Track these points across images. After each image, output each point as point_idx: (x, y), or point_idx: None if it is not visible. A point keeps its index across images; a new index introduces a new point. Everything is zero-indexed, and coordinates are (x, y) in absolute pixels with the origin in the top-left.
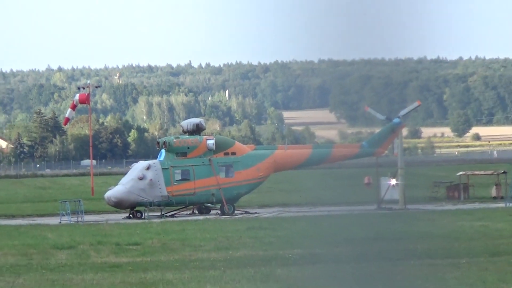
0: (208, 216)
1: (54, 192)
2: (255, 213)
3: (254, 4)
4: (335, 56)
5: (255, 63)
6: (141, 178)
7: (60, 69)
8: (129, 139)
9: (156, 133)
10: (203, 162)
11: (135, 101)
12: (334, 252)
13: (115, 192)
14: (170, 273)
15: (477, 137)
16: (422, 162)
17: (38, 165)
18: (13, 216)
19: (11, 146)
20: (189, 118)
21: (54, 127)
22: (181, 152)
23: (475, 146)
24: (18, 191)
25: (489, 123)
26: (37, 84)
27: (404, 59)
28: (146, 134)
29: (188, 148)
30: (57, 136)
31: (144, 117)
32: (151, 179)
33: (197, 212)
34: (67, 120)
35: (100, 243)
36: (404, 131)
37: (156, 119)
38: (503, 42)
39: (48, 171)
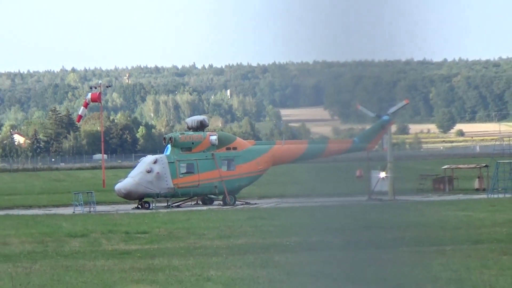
0: (211, 207)
1: (68, 184)
2: (255, 204)
3: (253, 10)
4: (329, 58)
5: (254, 64)
6: (149, 171)
7: (73, 70)
8: (138, 135)
9: (163, 130)
10: (206, 157)
11: (143, 99)
12: (328, 240)
13: (124, 184)
14: (176, 259)
15: (461, 133)
16: (410, 156)
17: (53, 159)
18: (30, 207)
19: (28, 141)
20: (193, 115)
21: (68, 124)
22: (186, 147)
23: (459, 141)
24: (35, 183)
25: (472, 120)
26: (52, 84)
27: (393, 60)
28: (153, 130)
29: (193, 143)
30: (71, 132)
31: (152, 114)
32: (158, 172)
33: (201, 203)
34: (80, 117)
35: (110, 232)
36: (393, 128)
37: (162, 116)
38: (485, 44)
39: (62, 164)
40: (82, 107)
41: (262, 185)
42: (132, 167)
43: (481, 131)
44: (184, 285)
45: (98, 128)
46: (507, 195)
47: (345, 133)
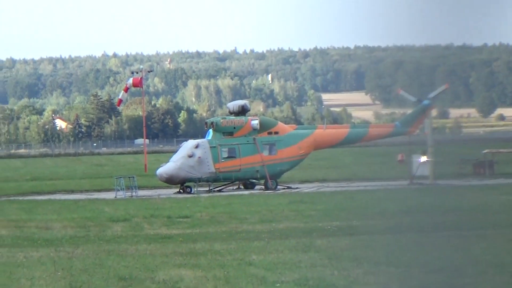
0: (253, 191)
1: (110, 169)
2: (297, 188)
3: None
4: (370, 43)
5: (295, 49)
6: (190, 156)
7: (115, 55)
8: (179, 120)
9: (204, 114)
10: (248, 141)
11: (184, 84)
12: (369, 224)
13: (166, 168)
14: (218, 243)
15: (501, 117)
16: (450, 141)
17: (95, 144)
18: (72, 191)
19: (70, 126)
20: (235, 100)
21: (110, 109)
22: (227, 132)
23: (500, 126)
24: (77, 168)
25: None
26: (94, 69)
27: (433, 45)
28: (195, 115)
29: (234, 128)
30: (113, 117)
31: (193, 99)
32: (199, 157)
33: (242, 187)
34: (120, 101)
35: (152, 216)
36: (434, 112)
37: (204, 101)
38: None
39: (104, 149)
40: (122, 92)
41: (303, 170)
42: (174, 152)
43: None
44: (226, 269)
45: (140, 113)
46: None
47: (387, 117)
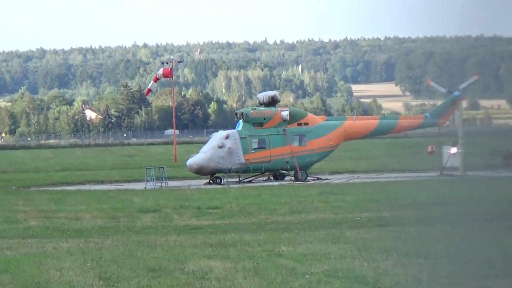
0: (282, 182)
1: (139, 159)
2: (326, 179)
3: None
4: (400, 34)
5: (326, 40)
6: (220, 147)
7: (145, 46)
8: (209, 111)
9: (234, 105)
10: (278, 132)
11: (214, 75)
12: (399, 215)
13: (196, 159)
14: (248, 234)
15: None
16: (480, 132)
17: (125, 135)
18: (102, 182)
19: (100, 117)
20: (264, 91)
21: (140, 99)
22: (257, 123)
23: None
24: (107, 158)
25: None
26: (124, 59)
27: (464, 36)
28: (225, 106)
29: (264, 118)
30: (143, 108)
31: (223, 90)
32: (229, 148)
33: (272, 178)
34: (149, 91)
35: (182, 207)
36: (464, 103)
37: (234, 92)
38: None
39: (134, 140)
40: (151, 81)
41: (333, 161)
42: (204, 143)
43: None
44: (256, 260)
45: (170, 103)
46: None
47: (417, 108)
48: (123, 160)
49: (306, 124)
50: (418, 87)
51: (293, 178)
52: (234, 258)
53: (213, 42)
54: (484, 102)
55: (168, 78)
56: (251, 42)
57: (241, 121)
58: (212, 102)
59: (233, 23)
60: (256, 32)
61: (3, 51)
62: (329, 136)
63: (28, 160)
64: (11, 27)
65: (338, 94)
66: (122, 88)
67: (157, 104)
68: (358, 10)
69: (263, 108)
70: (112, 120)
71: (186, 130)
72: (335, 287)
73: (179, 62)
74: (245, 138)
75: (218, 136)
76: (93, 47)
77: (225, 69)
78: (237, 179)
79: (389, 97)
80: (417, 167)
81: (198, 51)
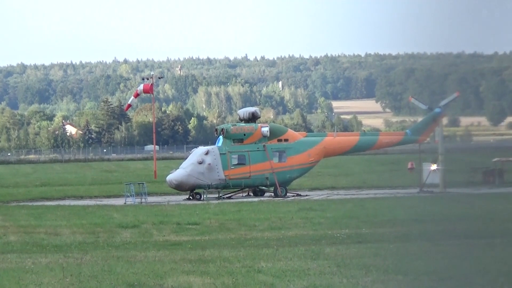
0: (262, 198)
1: (119, 175)
2: (306, 195)
3: (305, 2)
4: (381, 50)
5: (306, 56)
6: (200, 163)
7: (125, 61)
8: (190, 126)
9: (215, 121)
10: (258, 148)
11: (195, 91)
12: (378, 232)
13: (176, 175)
14: (227, 250)
15: (511, 126)
16: (460, 149)
17: (105, 150)
18: (81, 197)
19: (80, 132)
20: (245, 107)
21: (120, 115)
22: (237, 139)
23: (510, 134)
24: (86, 174)
25: None
26: (105, 75)
27: (444, 53)
28: (205, 121)
29: (244, 135)
30: (123, 123)
31: (204, 106)
32: (209, 163)
33: (252, 194)
34: (129, 106)
35: (162, 223)
36: (444, 120)
37: (214, 108)
38: None
39: (114, 155)
40: (132, 97)
41: (313, 177)
42: (184, 158)
43: None
44: (235, 276)
45: (150, 119)
46: None
47: (397, 125)
48: (103, 175)
49: (286, 140)
50: (398, 103)
51: (272, 194)
52: (213, 274)
53: (194, 58)
54: (464, 119)
55: (149, 94)
56: (231, 58)
57: (221, 137)
58: (193, 118)
59: (214, 39)
60: (236, 48)
61: None
62: (309, 152)
63: (8, 175)
64: None
65: (319, 111)
66: (102, 103)
67: (137, 120)
68: (339, 27)
69: (244, 124)
70: (92, 136)
71: (166, 145)
72: None
73: (159, 78)
74: (225, 154)
75: (198, 152)
76: (73, 62)
77: (205, 85)
78: (217, 195)
79: (370, 113)
80: (396, 184)
81: (179, 67)
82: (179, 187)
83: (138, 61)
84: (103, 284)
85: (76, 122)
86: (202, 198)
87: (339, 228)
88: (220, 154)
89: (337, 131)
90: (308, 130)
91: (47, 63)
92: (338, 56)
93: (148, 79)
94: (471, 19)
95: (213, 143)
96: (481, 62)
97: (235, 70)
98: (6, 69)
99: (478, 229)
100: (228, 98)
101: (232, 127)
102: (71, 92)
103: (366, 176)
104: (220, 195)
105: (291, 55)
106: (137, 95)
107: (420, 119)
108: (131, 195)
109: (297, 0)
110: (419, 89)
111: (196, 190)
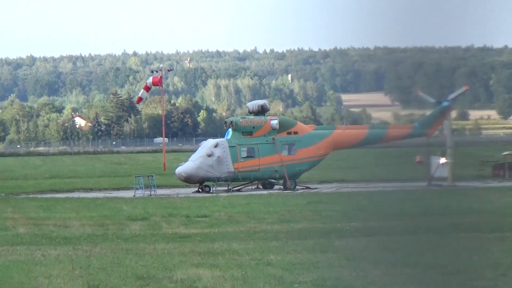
0: (271, 191)
1: (129, 167)
2: (315, 188)
3: None
4: (390, 44)
5: (315, 49)
6: (209, 155)
7: (135, 54)
8: (199, 119)
9: (224, 114)
10: (267, 141)
11: (204, 83)
12: (387, 225)
13: (185, 168)
14: (236, 243)
15: None
16: (470, 142)
17: (114, 142)
18: (91, 190)
19: (90, 124)
20: (254, 100)
21: (129, 107)
22: (247, 131)
23: None
24: (96, 166)
25: None
26: (114, 68)
27: (453, 47)
28: (214, 114)
29: (254, 127)
30: (132, 116)
31: (213, 98)
32: (219, 156)
33: (261, 187)
34: (140, 99)
35: (171, 215)
36: (453, 114)
37: (223, 100)
38: None
39: (123, 148)
40: (142, 90)
41: (322, 170)
42: (193, 151)
43: None
44: (244, 269)
45: (159, 111)
46: None
47: (406, 118)
48: (112, 168)
49: (295, 133)
50: (407, 97)
51: (282, 187)
52: (222, 266)
53: (203, 50)
54: (473, 113)
55: (158, 86)
56: (240, 51)
57: (230, 129)
58: (202, 111)
59: (223, 32)
60: (246, 41)
61: None
62: (318, 145)
63: (17, 168)
64: (1, 35)
65: (328, 103)
66: (111, 96)
67: (147, 112)
68: (348, 20)
69: (253, 116)
70: (102, 128)
71: (175, 138)
72: None
73: (168, 70)
74: (234, 146)
75: (207, 144)
76: (83, 55)
77: (214, 77)
78: (226, 188)
79: (379, 106)
80: (405, 177)
81: (188, 59)
82: (188, 180)
83: (147, 54)
84: (112, 277)
85: (85, 115)
86: (211, 191)
87: (348, 221)
88: (229, 146)
89: (346, 124)
90: (317, 123)
91: (56, 55)
92: (347, 49)
93: (157, 71)
94: (480, 12)
95: (222, 136)
96: (491, 55)
97: (244, 62)
98: (15, 61)
99: (487, 223)
100: (237, 91)
101: (241, 120)
102: (81, 85)
103: (375, 169)
104: (229, 187)
105: (300, 48)
106: (147, 88)
107: (428, 112)
108: (140, 188)
109: None
110: (428, 83)
111: (205, 183)
